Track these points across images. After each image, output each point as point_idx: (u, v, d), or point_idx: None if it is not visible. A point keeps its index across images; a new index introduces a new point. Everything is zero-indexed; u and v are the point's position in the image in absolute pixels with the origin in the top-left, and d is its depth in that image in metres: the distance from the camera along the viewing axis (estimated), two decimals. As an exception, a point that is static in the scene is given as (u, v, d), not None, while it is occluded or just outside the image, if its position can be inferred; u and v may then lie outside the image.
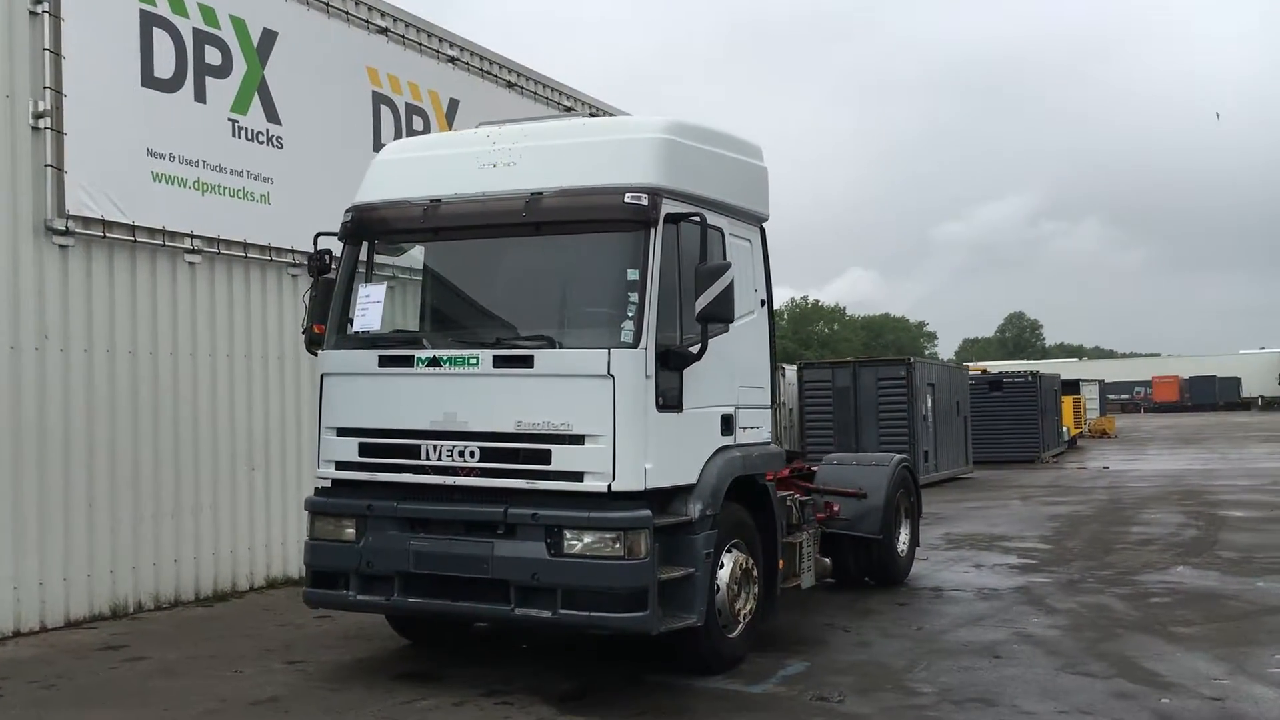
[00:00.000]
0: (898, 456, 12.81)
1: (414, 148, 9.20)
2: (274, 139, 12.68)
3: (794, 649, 9.28)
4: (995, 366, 58.80)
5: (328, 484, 8.72)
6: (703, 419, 8.38)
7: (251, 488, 12.37)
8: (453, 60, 15.44)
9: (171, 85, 11.52)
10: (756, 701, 7.88)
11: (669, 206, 7.96)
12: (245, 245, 12.32)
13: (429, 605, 8.17)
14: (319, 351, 8.71)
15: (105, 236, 10.83)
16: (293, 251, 12.86)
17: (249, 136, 12.40)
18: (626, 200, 7.80)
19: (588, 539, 7.64)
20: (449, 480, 8.03)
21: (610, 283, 7.96)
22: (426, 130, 14.83)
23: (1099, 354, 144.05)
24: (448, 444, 8.02)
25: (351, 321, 8.80)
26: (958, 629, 10.04)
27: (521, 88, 16.77)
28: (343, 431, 8.47)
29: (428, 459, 8.09)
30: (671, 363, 7.88)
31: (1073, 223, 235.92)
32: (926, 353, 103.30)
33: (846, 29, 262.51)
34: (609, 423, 7.61)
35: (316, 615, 10.69)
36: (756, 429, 9.18)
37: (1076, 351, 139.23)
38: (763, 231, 9.45)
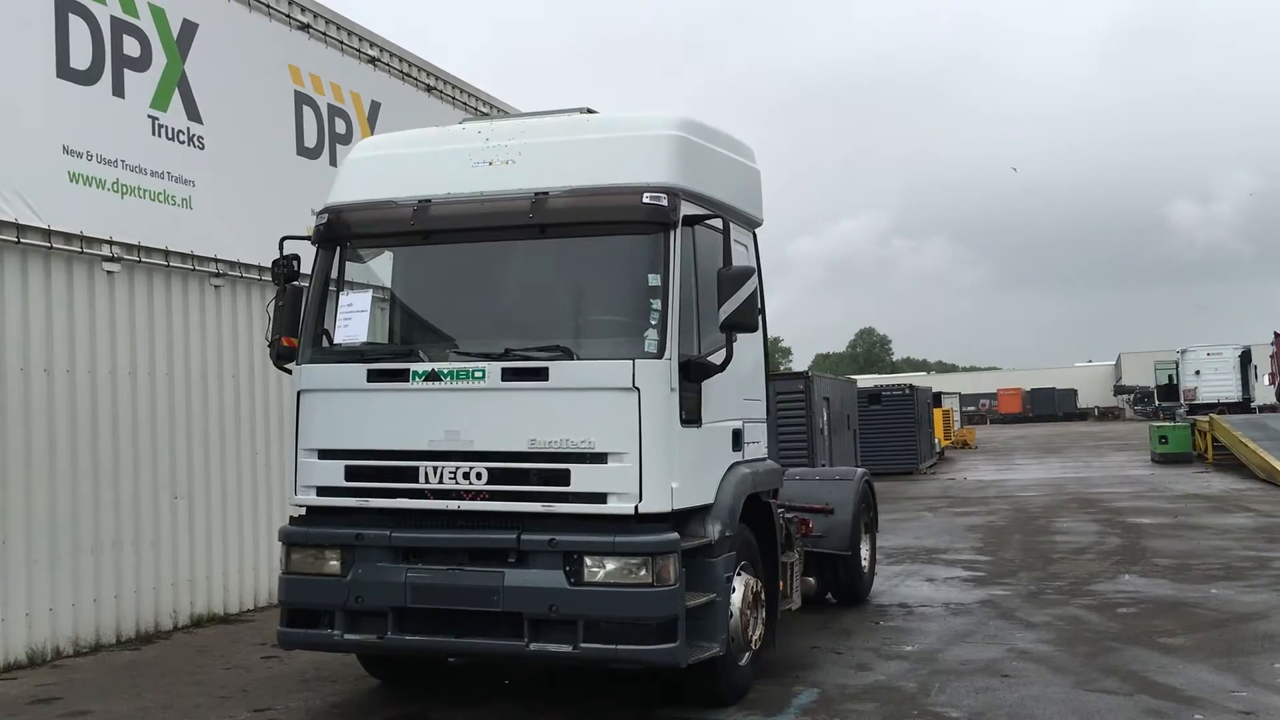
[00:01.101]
0: (860, 470, 12.54)
1: (393, 144, 8.48)
2: (195, 139, 11.71)
3: (791, 675, 8.83)
4: (864, 381, 59.76)
5: (302, 512, 7.92)
6: (717, 434, 7.90)
7: (175, 518, 11.34)
8: (373, 61, 14.64)
9: (89, 77, 10.50)
10: (786, 735, 7.41)
11: (686, 208, 7.47)
12: (167, 253, 11.33)
13: (429, 643, 7.45)
14: (294, 366, 7.91)
15: (19, 242, 9.75)
16: (216, 260, 11.92)
17: (169, 135, 11.41)
18: (645, 200, 7.27)
19: (611, 566, 7.06)
20: (452, 505, 7.34)
21: (629, 289, 7.41)
22: (349, 134, 14.01)
23: (942, 368, 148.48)
24: (450, 465, 7.33)
25: (327, 334, 8.05)
26: (949, 647, 9.75)
27: (441, 92, 16.05)
28: (325, 454, 7.69)
29: (427, 482, 7.38)
30: (693, 374, 7.36)
31: (920, 240, 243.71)
32: (783, 367, 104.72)
33: (697, 47, 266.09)
34: (634, 439, 7.05)
35: (263, 656, 9.89)
36: (757, 443, 8.73)
37: (922, 366, 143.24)
38: (755, 236, 9.02)
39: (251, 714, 8.12)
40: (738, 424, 8.26)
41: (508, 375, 7.26)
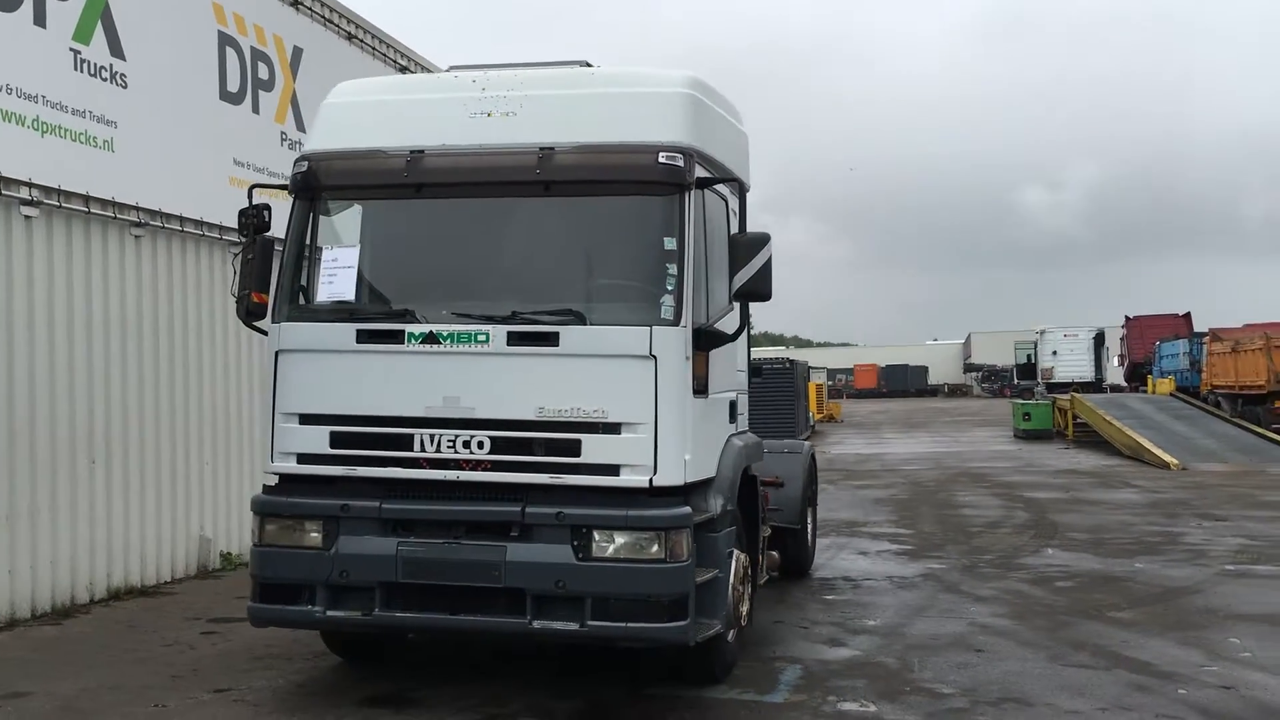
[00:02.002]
0: (807, 444, 12.46)
1: (378, 89, 7.94)
2: (118, 76, 10.86)
3: (766, 650, 8.70)
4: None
5: (274, 480, 7.40)
6: (718, 405, 7.66)
7: (92, 484, 10.57)
8: (296, 4, 13.84)
9: (9, 3, 9.61)
10: (786, 714, 7.24)
11: (699, 170, 7.18)
12: (88, 199, 10.48)
13: (421, 620, 7.04)
14: (269, 325, 7.36)
15: (-66, 181, 8.89)
16: (137, 209, 11.11)
17: (92, 71, 10.56)
18: (661, 160, 6.94)
19: (622, 540, 6.76)
20: (450, 475, 6.93)
21: (642, 253, 7.08)
22: (272, 80, 13.26)
23: (799, 343, 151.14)
24: (449, 434, 6.92)
25: (304, 290, 7.52)
26: (911, 621, 9.75)
27: (361, 41, 15.30)
28: (308, 419, 7.18)
29: (422, 450, 6.95)
30: (703, 343, 7.10)
31: (784, 218, 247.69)
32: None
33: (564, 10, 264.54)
34: (650, 409, 6.76)
35: (203, 632, 9.31)
36: (742, 415, 8.53)
37: (780, 341, 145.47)
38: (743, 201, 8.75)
39: (213, 695, 7.58)
40: (733, 395, 8.05)
41: (514, 339, 6.87)
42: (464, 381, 6.92)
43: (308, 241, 7.51)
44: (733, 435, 7.95)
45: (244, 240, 7.57)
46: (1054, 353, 52.54)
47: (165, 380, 11.58)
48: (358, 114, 7.63)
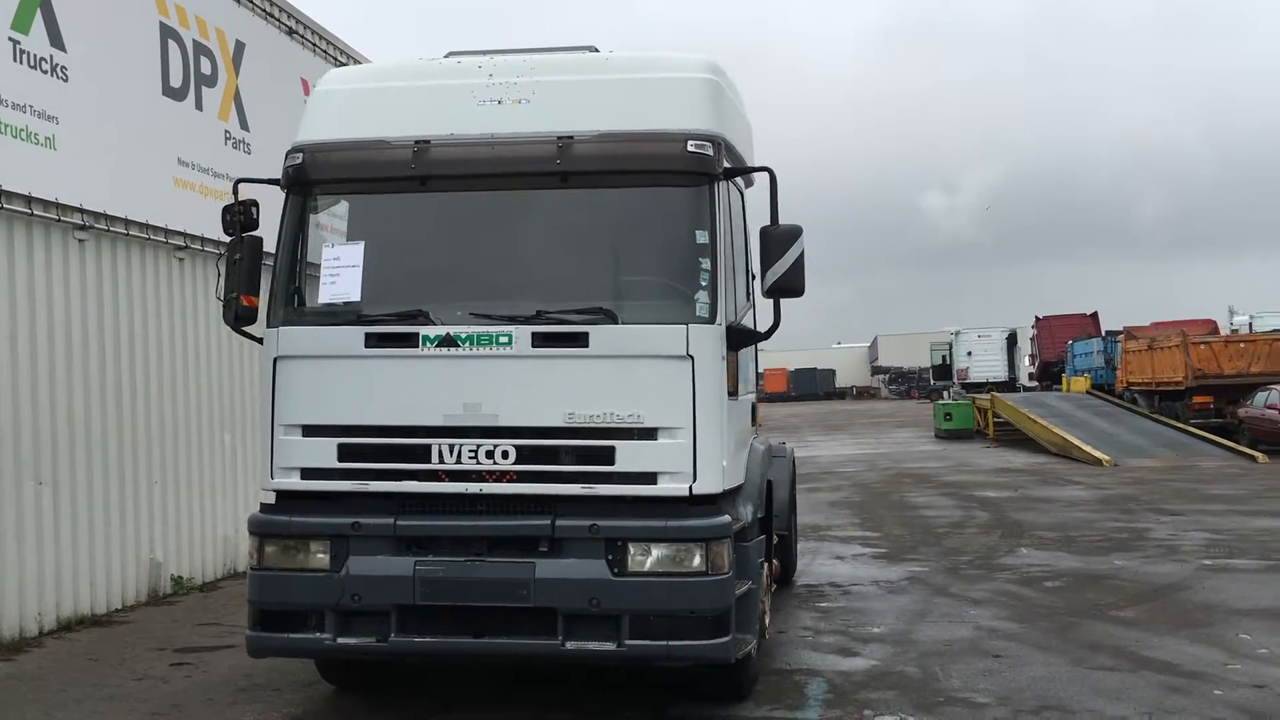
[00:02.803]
0: (789, 446, 12.12)
1: (374, 75, 7.40)
2: (59, 68, 10.11)
3: (779, 662, 8.34)
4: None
5: (272, 498, 6.83)
6: (744, 408, 7.29)
7: (39, 507, 9.79)
8: (237, -4, 13.15)
9: (-55, -13, 8.86)
10: (826, 730, 6.89)
11: (726, 159, 6.80)
12: (30, 200, 9.72)
13: (441, 645, 6.52)
14: (266, 329, 6.79)
15: None
16: (81, 211, 10.35)
17: (32, 63, 9.79)
18: (690, 149, 6.54)
19: (661, 553, 6.34)
20: (473, 488, 6.44)
21: (673, 247, 6.67)
22: (215, 76, 12.55)
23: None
24: (470, 443, 6.43)
25: (298, 293, 6.96)
26: (916, 627, 9.47)
27: (302, 37, 14.62)
28: (312, 430, 6.62)
29: (441, 462, 6.45)
30: (734, 342, 6.71)
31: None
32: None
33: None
34: (688, 413, 6.35)
35: (173, 664, 8.67)
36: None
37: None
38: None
39: (205, 734, 6.97)
40: (752, 397, 7.68)
41: (539, 341, 6.40)
42: (485, 387, 6.43)
43: (303, 239, 6.96)
44: (754, 440, 7.58)
45: (230, 239, 6.99)
46: (969, 353, 53.31)
47: (112, 393, 10.82)
48: (354, 101, 7.10)
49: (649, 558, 6.34)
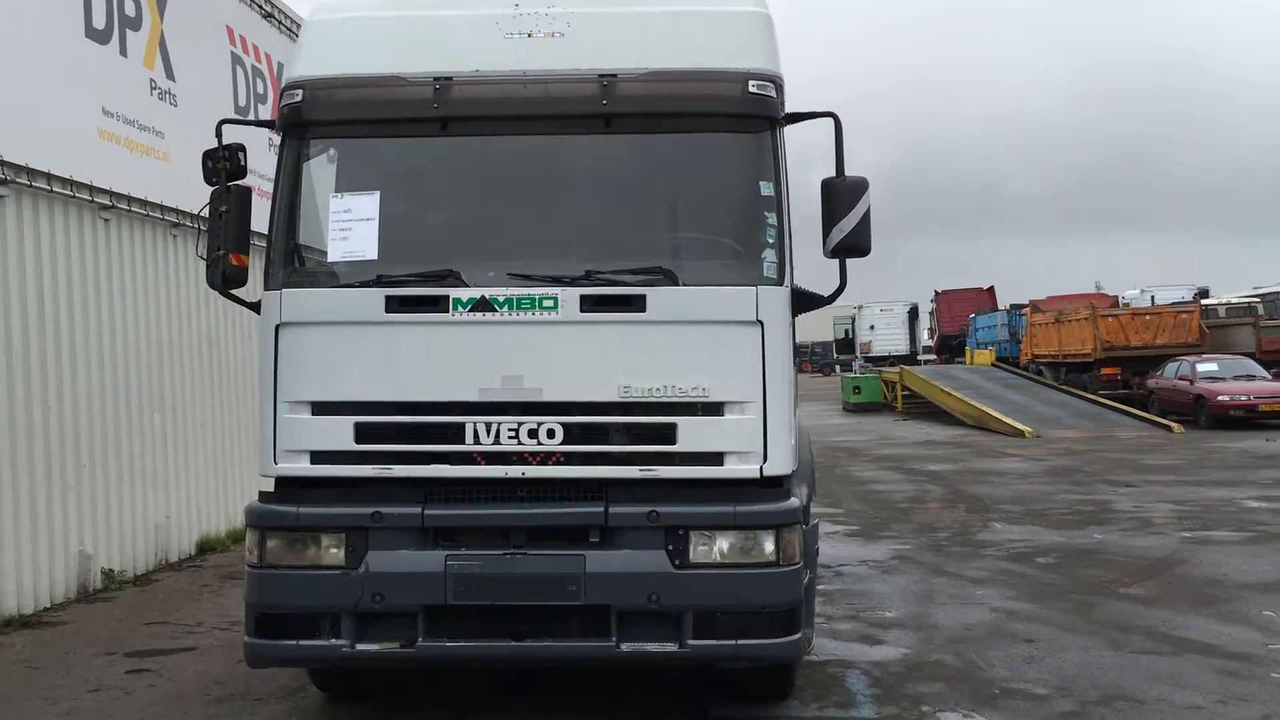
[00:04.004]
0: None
1: (383, 3, 6.47)
2: (-25, 1, 8.95)
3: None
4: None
5: (270, 485, 5.97)
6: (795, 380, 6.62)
7: (-39, 495, 8.69)
8: (162, -69, 11.95)
9: None
10: (889, 730, 6.33)
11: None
12: (-55, 149, 8.57)
13: (478, 650, 5.72)
14: (265, 292, 5.90)
15: None
16: (1, 164, 9.21)
17: (-54, -7, 8.63)
18: (751, 90, 5.83)
19: (727, 542, 5.66)
20: (515, 472, 5.67)
21: (734, 199, 5.96)
22: (139, 17, 11.38)
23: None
24: (510, 421, 5.65)
25: (299, 251, 6.08)
26: (929, 611, 8.98)
27: (229, -20, 13.47)
28: (324, 408, 5.76)
29: (477, 443, 5.66)
30: (796, 307, 6.04)
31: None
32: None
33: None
34: (758, 385, 5.67)
35: (129, 670, 7.72)
36: None
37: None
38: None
39: (193, 755, 6.10)
40: (793, 369, 7.03)
41: (590, 304, 5.64)
42: (527, 358, 5.66)
43: (300, 190, 6.07)
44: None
45: (214, 189, 6.07)
46: (871, 327, 53.55)
47: (37, 368, 9.71)
48: (359, 32, 6.21)
49: (714, 547, 5.66)
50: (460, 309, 5.66)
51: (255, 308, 6.04)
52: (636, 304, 5.63)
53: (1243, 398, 26.06)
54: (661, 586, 5.58)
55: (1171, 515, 13.38)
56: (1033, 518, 13.56)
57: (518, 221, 6.02)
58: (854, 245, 5.92)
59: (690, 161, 6.06)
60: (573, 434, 5.65)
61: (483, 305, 5.65)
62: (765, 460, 5.67)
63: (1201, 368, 27.92)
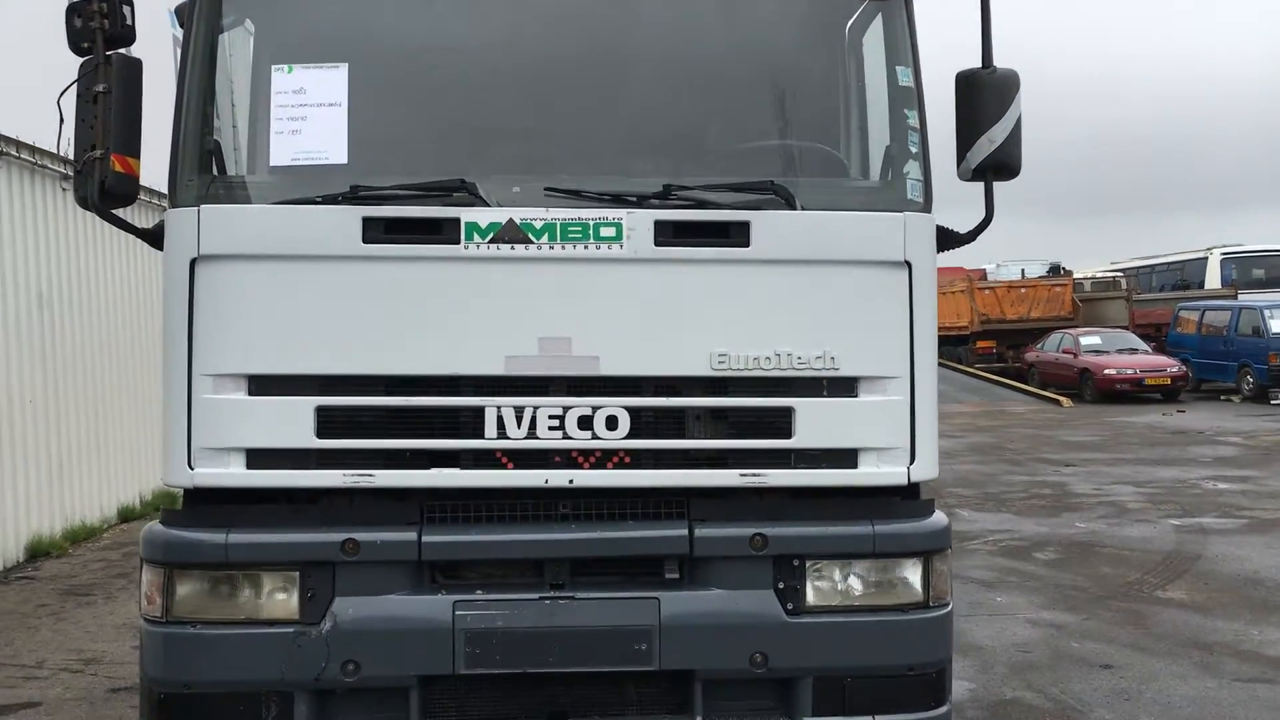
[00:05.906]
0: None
1: None
2: None
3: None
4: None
5: (182, 499, 4.02)
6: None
7: None
8: None
9: None
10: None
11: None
12: None
13: None
14: (170, 211, 3.91)
15: None
16: None
17: None
18: None
19: (861, 576, 3.99)
20: (559, 478, 3.86)
21: (861, 92, 4.26)
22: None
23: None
24: (552, 404, 3.83)
25: (218, 151, 4.09)
26: (962, 624, 7.47)
27: None
28: (267, 385, 3.81)
29: (502, 435, 3.82)
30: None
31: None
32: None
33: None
34: (904, 353, 4.00)
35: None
36: None
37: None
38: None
39: None
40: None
41: (669, 234, 3.84)
42: (576, 313, 3.83)
43: (214, 63, 4.09)
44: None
45: (84, 62, 4.02)
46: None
47: None
48: None
49: (842, 584, 3.98)
50: (477, 238, 3.79)
51: (152, 238, 4.06)
52: (737, 234, 3.86)
53: (1129, 371, 25.71)
54: (770, 642, 3.88)
55: (1142, 499, 12.33)
56: (995, 504, 12.33)
57: (559, 112, 4.15)
58: (1004, 162, 4.25)
59: (804, 39, 4.31)
60: (643, 423, 3.87)
61: (510, 234, 3.79)
62: (912, 460, 4.00)
63: (1085, 341, 27.54)
